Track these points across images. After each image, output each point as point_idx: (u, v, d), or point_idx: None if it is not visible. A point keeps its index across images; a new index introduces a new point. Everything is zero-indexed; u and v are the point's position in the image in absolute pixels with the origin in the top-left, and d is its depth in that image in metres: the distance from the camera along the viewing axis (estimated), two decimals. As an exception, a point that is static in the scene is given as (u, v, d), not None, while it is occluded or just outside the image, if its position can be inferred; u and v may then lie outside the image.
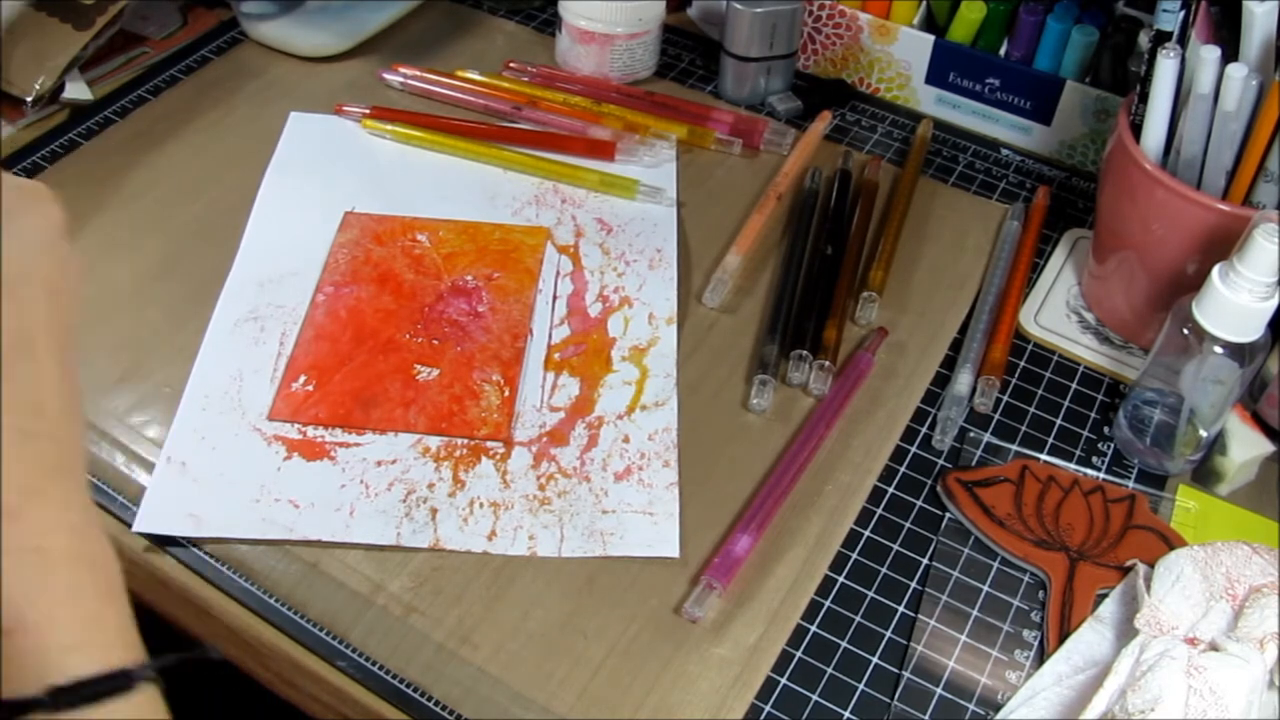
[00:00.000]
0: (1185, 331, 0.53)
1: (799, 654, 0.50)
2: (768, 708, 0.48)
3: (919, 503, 0.56)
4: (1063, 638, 0.50)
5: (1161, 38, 0.56)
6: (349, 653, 0.49)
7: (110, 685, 0.31)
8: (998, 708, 0.48)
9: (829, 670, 0.49)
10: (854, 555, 0.54)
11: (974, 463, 0.57)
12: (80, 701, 0.30)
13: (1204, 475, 0.58)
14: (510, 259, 0.66)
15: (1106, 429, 0.60)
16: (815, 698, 0.48)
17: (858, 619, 0.51)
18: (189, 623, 0.53)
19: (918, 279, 0.67)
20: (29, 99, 0.71)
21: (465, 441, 0.56)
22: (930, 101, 0.79)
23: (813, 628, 0.51)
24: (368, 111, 0.74)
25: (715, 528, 0.54)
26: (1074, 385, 0.62)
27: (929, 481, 0.57)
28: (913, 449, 0.58)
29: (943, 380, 0.61)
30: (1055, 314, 0.66)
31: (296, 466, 0.55)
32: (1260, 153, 0.54)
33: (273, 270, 0.64)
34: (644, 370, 0.60)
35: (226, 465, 0.54)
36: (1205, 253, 0.56)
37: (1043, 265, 0.69)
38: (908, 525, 0.55)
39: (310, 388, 0.58)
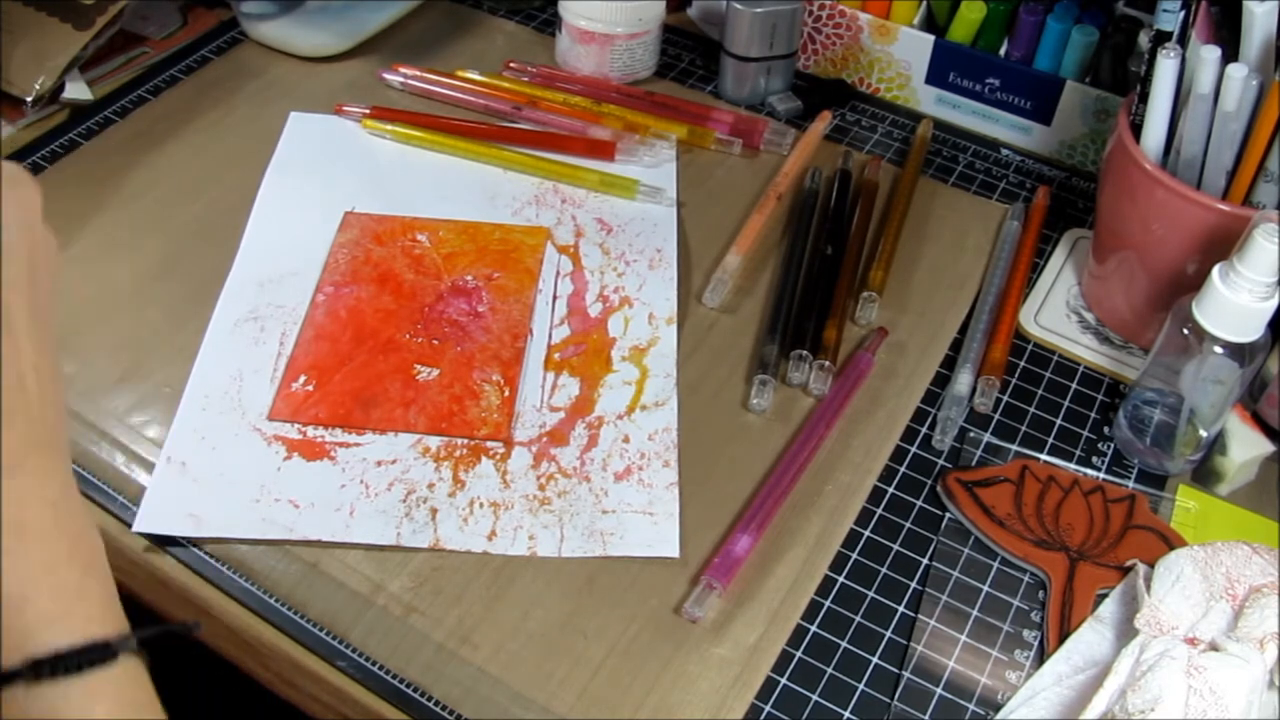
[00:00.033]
0: (1185, 331, 0.53)
1: (799, 654, 0.50)
2: (768, 708, 0.48)
3: (919, 503, 0.56)
4: (1063, 638, 0.50)
5: (1161, 38, 0.56)
6: (349, 653, 0.49)
7: (91, 656, 0.31)
8: (998, 708, 0.48)
9: (829, 670, 0.49)
10: (854, 555, 0.54)
11: (974, 463, 0.57)
12: (60, 672, 0.30)
13: (1204, 475, 0.58)
14: (510, 259, 0.66)
15: (1106, 429, 0.60)
16: (815, 698, 0.48)
17: (858, 619, 0.51)
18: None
19: (918, 279, 0.67)
20: (29, 99, 0.71)
21: (465, 441, 0.56)
22: (930, 101, 0.79)
23: (813, 628, 0.51)
24: (368, 111, 0.74)
25: (715, 528, 0.54)
26: (1074, 385, 0.62)
27: (929, 481, 0.57)
28: (913, 449, 0.58)
29: (943, 380, 0.61)
30: (1055, 314, 0.66)
31: (296, 466, 0.55)
32: (1260, 153, 0.54)
33: (273, 270, 0.64)
34: (644, 370, 0.60)
35: (226, 465, 0.54)
36: (1205, 253, 0.56)
37: (1043, 265, 0.69)
38: (908, 525, 0.55)
39: (310, 388, 0.58)
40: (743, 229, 0.68)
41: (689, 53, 0.84)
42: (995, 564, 0.53)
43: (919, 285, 0.67)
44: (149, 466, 0.55)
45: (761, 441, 0.58)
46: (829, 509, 0.55)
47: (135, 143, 0.73)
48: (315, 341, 0.60)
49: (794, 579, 0.52)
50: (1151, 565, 0.51)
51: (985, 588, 0.52)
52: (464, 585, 0.51)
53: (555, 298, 0.64)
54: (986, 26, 0.74)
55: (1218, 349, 0.52)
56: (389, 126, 0.74)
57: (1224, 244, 0.53)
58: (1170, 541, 0.53)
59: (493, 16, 0.86)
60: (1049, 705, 0.48)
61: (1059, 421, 0.60)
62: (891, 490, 0.56)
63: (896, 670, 0.49)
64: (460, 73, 0.79)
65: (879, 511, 0.55)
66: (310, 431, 0.56)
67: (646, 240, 0.68)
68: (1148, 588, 0.50)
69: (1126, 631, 0.50)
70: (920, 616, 0.51)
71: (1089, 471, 0.57)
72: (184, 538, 0.52)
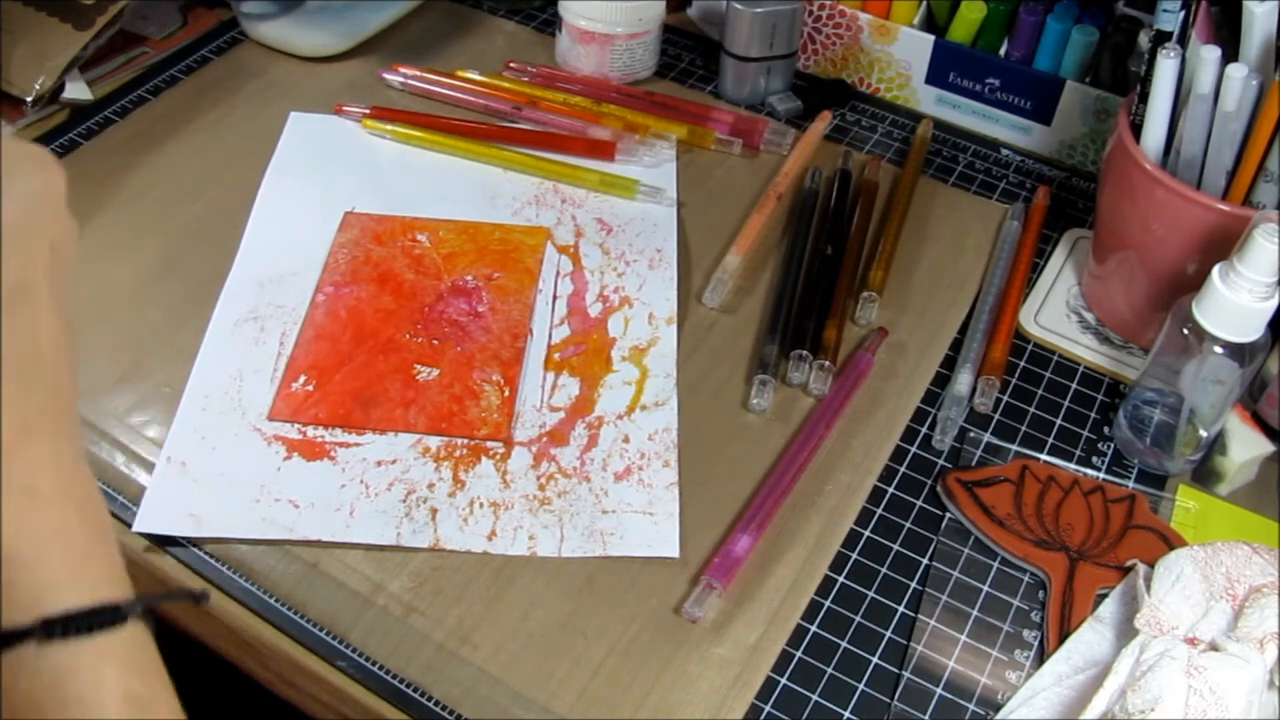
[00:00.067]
0: (1185, 331, 0.53)
1: (799, 654, 0.50)
2: (768, 708, 0.48)
3: (919, 503, 0.56)
4: (1063, 638, 0.50)
5: (1161, 38, 0.56)
6: (349, 653, 0.49)
7: (101, 618, 0.32)
8: (998, 708, 0.48)
9: (829, 670, 0.49)
10: (854, 555, 0.54)
11: (974, 463, 0.57)
12: (72, 632, 0.31)
13: (1204, 475, 0.58)
14: (510, 259, 0.66)
15: (1106, 429, 0.60)
16: (815, 698, 0.48)
17: (858, 619, 0.51)
18: (189, 623, 0.53)
19: (918, 279, 0.67)
20: (29, 99, 0.71)
21: (465, 441, 0.56)
22: (930, 101, 0.79)
23: (813, 628, 0.51)
24: (368, 111, 0.74)
25: (715, 528, 0.54)
26: (1074, 385, 0.62)
27: (929, 481, 0.57)
28: (913, 449, 0.58)
29: (943, 380, 0.61)
30: (1055, 314, 0.66)
31: (296, 466, 0.55)
32: (1260, 153, 0.54)
33: (273, 270, 0.64)
34: (644, 370, 0.60)
35: (226, 465, 0.54)
36: (1205, 253, 0.56)
37: (1043, 265, 0.69)
38: (908, 525, 0.55)
39: (310, 388, 0.58)
40: (743, 229, 0.68)
41: (689, 53, 0.84)
42: (995, 564, 0.53)
43: (919, 285, 0.67)
44: (149, 466, 0.55)
45: (761, 441, 0.58)
46: (829, 509, 0.55)
47: (135, 143, 0.73)
48: (315, 341, 0.60)
49: (794, 579, 0.52)
50: (1151, 565, 0.51)
51: (985, 588, 0.52)
52: (464, 585, 0.51)
53: (555, 298, 0.64)
54: (986, 26, 0.74)
55: (1218, 349, 0.52)
56: (389, 126, 0.74)
57: (1224, 244, 0.53)
58: (1170, 541, 0.53)
59: (493, 16, 0.86)
60: (1049, 705, 0.48)
61: (1059, 421, 0.60)
62: (891, 490, 0.56)
63: (896, 670, 0.49)
64: (460, 73, 0.79)
65: (879, 511, 0.55)
66: (310, 431, 0.56)
67: (646, 240, 0.68)
68: (1148, 588, 0.50)
69: (1126, 631, 0.50)
70: (920, 616, 0.51)
71: (1089, 471, 0.57)
72: (184, 538, 0.52)
